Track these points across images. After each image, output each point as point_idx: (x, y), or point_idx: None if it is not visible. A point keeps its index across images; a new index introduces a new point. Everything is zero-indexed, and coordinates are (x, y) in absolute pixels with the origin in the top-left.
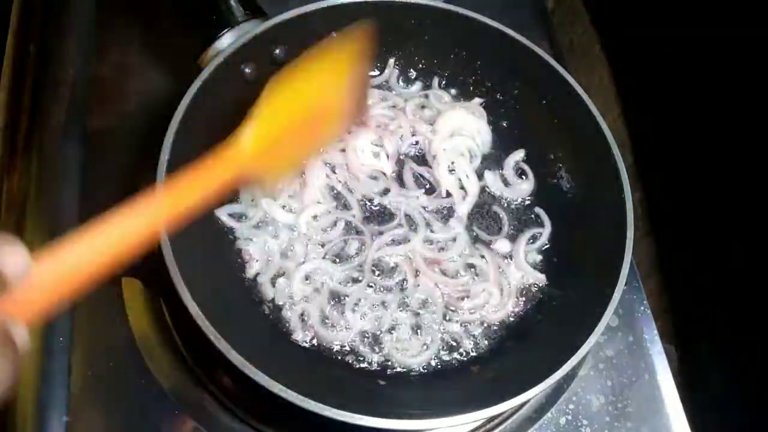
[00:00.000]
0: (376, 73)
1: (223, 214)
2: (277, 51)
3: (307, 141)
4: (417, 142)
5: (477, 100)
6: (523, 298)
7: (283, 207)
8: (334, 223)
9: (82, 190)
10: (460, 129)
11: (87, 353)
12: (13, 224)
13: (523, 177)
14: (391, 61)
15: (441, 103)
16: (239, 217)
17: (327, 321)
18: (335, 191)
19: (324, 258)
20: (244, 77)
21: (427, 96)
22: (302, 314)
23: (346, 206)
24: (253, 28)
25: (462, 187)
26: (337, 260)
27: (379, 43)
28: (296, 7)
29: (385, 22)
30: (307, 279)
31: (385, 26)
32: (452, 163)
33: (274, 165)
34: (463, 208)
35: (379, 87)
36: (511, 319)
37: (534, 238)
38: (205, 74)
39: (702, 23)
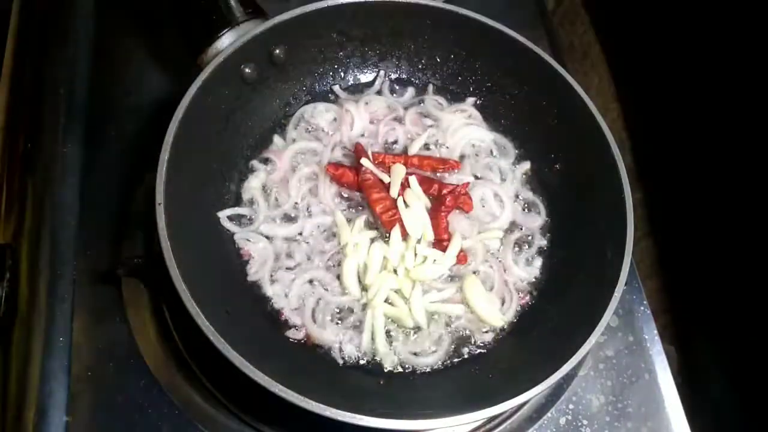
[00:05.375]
0: (370, 78)
1: (223, 217)
2: (277, 51)
3: None
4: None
5: (470, 100)
6: (524, 299)
7: (285, 216)
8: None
9: (82, 190)
10: (475, 144)
11: (87, 353)
12: (13, 224)
13: (535, 210)
14: (382, 72)
15: (438, 110)
16: (239, 219)
17: (326, 323)
18: (347, 196)
19: (324, 264)
20: (244, 77)
21: (422, 102)
22: (302, 315)
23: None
24: (253, 28)
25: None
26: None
27: (376, 45)
28: (296, 7)
29: (384, 22)
30: (310, 282)
31: (385, 27)
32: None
33: None
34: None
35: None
36: (512, 320)
37: (528, 241)
38: (205, 74)
39: (702, 24)
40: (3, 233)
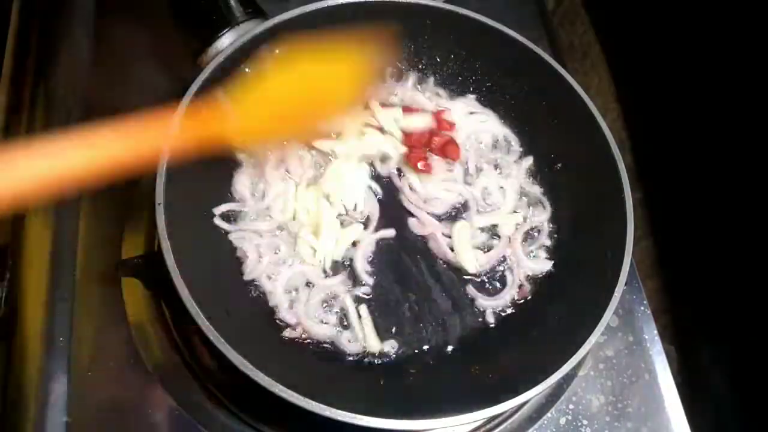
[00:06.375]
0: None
1: (217, 215)
2: (277, 51)
3: (296, 122)
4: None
5: (471, 96)
6: (523, 299)
7: (270, 208)
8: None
9: (82, 189)
10: (479, 136)
11: (87, 353)
12: (13, 224)
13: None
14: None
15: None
16: (234, 217)
17: (324, 322)
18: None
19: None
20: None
21: (423, 93)
22: (301, 314)
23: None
24: (253, 28)
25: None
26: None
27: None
28: (296, 7)
29: (384, 22)
30: (307, 284)
31: (384, 27)
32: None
33: (255, 134)
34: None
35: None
36: (512, 319)
37: (531, 237)
38: (205, 74)
39: (702, 24)
40: (3, 233)
